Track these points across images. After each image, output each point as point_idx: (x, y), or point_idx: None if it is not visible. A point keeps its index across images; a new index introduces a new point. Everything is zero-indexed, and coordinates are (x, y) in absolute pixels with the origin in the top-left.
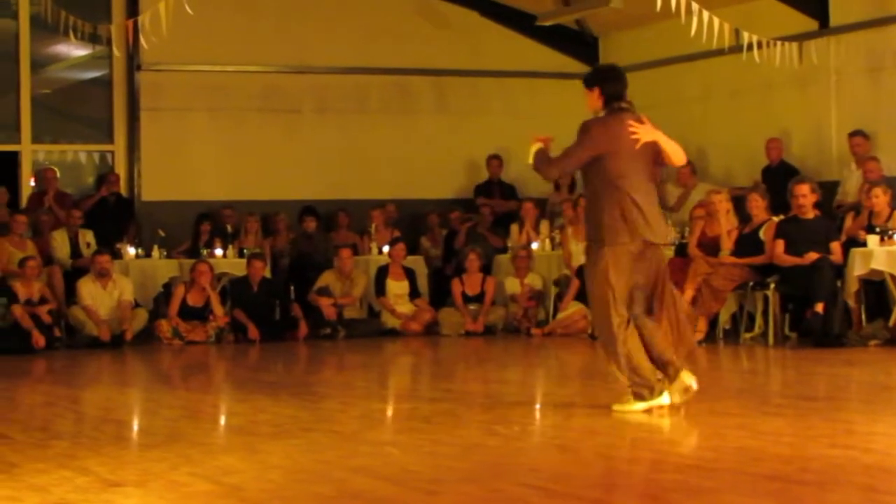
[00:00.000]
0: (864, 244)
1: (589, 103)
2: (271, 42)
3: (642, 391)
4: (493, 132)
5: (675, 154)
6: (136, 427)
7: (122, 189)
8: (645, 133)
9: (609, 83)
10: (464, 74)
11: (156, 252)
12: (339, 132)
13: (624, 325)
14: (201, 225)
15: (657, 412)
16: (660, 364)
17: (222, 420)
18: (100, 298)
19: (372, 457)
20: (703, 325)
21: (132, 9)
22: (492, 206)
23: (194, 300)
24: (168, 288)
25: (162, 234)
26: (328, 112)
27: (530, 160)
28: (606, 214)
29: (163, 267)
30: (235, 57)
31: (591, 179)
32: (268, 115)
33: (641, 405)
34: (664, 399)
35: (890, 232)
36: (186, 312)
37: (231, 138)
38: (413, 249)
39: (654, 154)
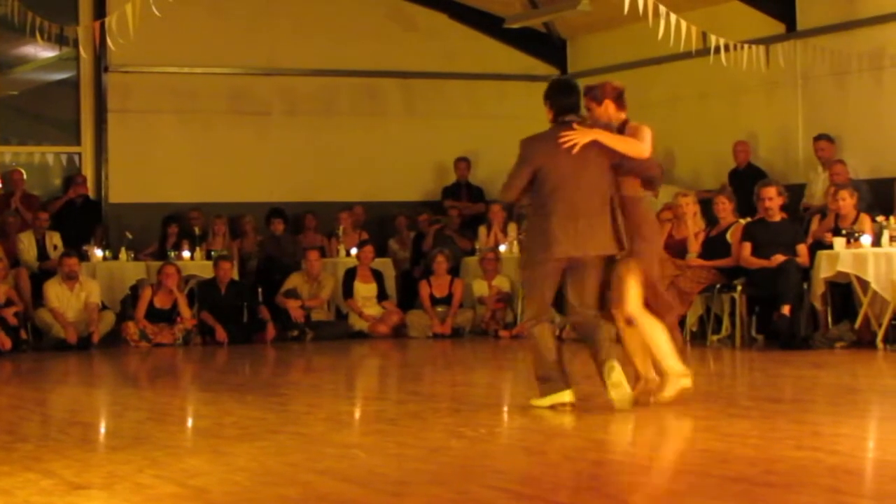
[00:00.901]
0: (830, 247)
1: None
2: (240, 44)
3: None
4: (461, 134)
5: (627, 147)
6: (102, 429)
7: (90, 191)
8: (578, 136)
9: (557, 97)
10: (432, 77)
11: (123, 254)
12: (308, 134)
13: (537, 324)
14: (168, 227)
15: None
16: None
17: (189, 422)
18: (67, 301)
19: (338, 459)
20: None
21: (99, 10)
22: (460, 209)
23: (161, 302)
24: (135, 290)
25: (129, 236)
26: (297, 114)
27: None
28: (527, 234)
29: (130, 269)
30: (204, 59)
31: (531, 196)
32: (236, 117)
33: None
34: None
35: (856, 234)
36: (153, 315)
37: (199, 140)
38: (381, 252)
39: (608, 157)
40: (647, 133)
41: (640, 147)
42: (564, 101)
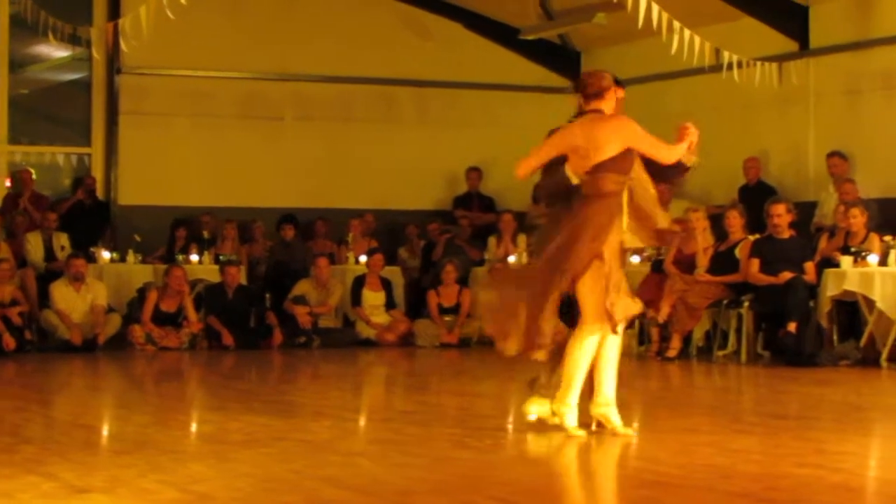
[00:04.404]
0: (838, 265)
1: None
2: (253, 48)
3: None
4: (473, 144)
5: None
6: (105, 433)
7: (99, 192)
8: None
9: None
10: (446, 86)
11: (131, 257)
12: (320, 141)
13: None
14: (177, 230)
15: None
16: None
17: (193, 427)
18: (73, 302)
19: (342, 467)
20: (677, 342)
21: (114, 11)
22: (470, 219)
23: (167, 306)
24: (142, 293)
25: (138, 238)
26: (309, 120)
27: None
28: None
29: (137, 272)
30: (217, 63)
31: None
32: (248, 121)
33: None
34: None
35: (863, 253)
36: (159, 318)
37: (211, 144)
38: (391, 260)
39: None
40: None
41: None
42: None
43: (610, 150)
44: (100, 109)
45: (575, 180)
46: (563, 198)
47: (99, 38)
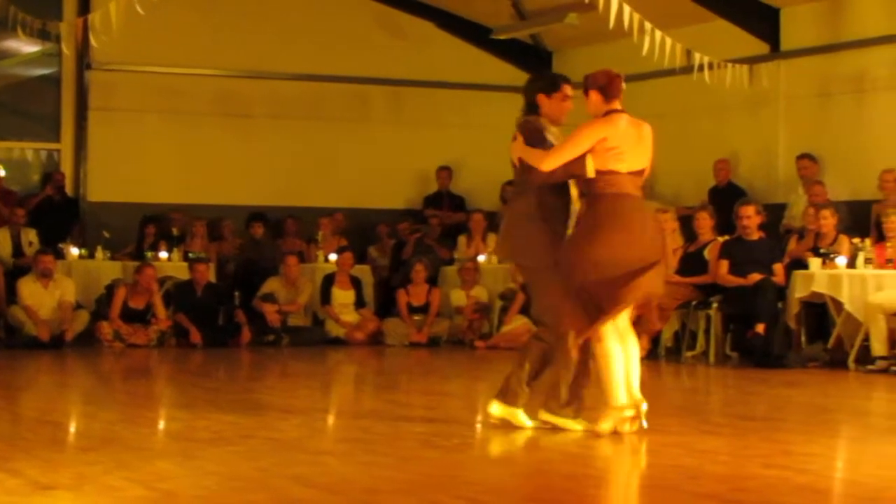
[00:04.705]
0: (806, 267)
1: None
2: (225, 45)
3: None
4: (445, 144)
5: (531, 159)
6: (72, 430)
7: (68, 188)
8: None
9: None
10: (417, 85)
11: (100, 253)
12: (292, 139)
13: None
14: (146, 227)
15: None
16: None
17: (160, 425)
18: (41, 298)
19: (310, 465)
20: (645, 343)
21: (83, 7)
22: (440, 218)
23: (136, 303)
24: (110, 290)
25: (107, 235)
26: (280, 118)
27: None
28: None
29: (106, 268)
30: (189, 59)
31: None
32: (220, 119)
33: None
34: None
35: (832, 255)
36: (128, 315)
37: (181, 141)
38: (361, 259)
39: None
40: (565, 141)
41: (537, 159)
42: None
43: (648, 157)
44: (69, 105)
45: (592, 174)
46: (553, 191)
47: (69, 34)
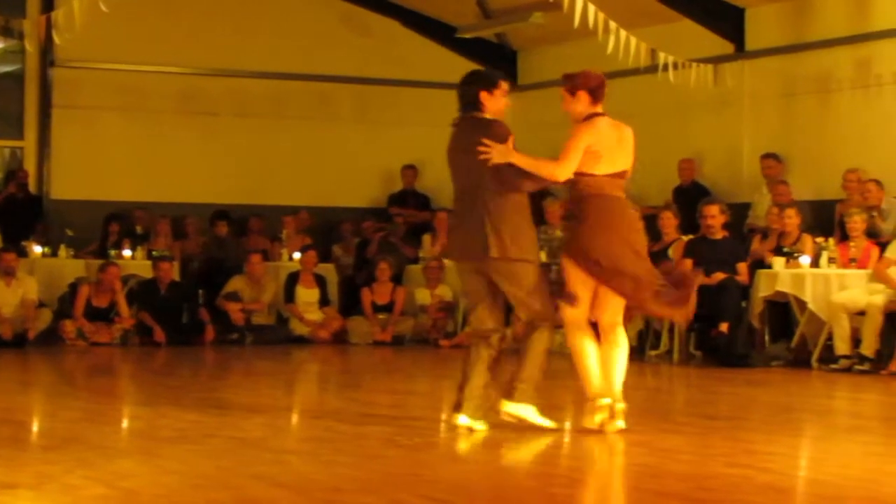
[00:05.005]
0: (769, 266)
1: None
2: (189, 43)
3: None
4: (410, 142)
5: (538, 169)
6: (33, 428)
7: (31, 186)
8: (496, 157)
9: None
10: (382, 83)
11: (63, 251)
12: (256, 137)
13: (475, 338)
14: (110, 225)
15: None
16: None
17: (123, 423)
18: (3, 296)
19: (272, 465)
20: None
21: (47, 4)
22: (405, 216)
23: (99, 301)
24: (74, 288)
25: (70, 233)
26: (245, 116)
27: None
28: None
29: (70, 266)
30: (152, 57)
31: None
32: (184, 117)
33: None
34: (461, 419)
35: (795, 254)
36: (91, 313)
37: (145, 139)
38: (325, 257)
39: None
40: (569, 147)
41: (550, 170)
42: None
43: (630, 159)
44: (32, 102)
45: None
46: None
47: (32, 31)
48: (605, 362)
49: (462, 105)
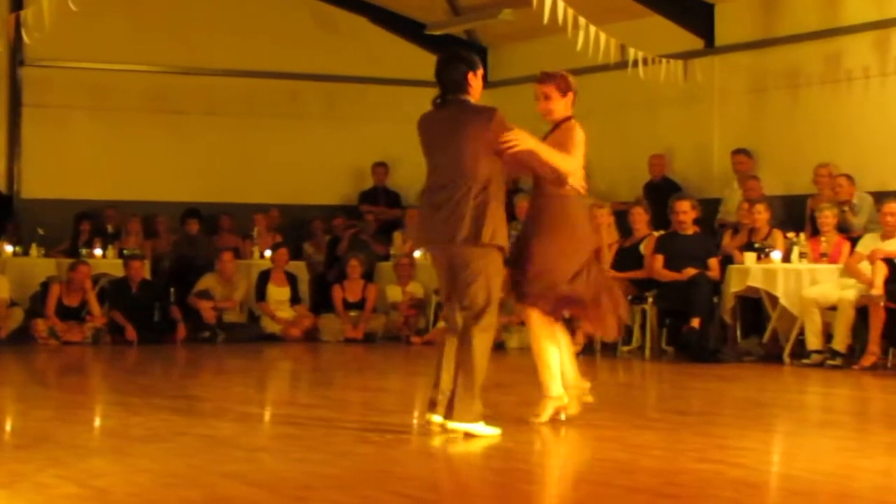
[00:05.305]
0: (741, 262)
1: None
2: (159, 42)
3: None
4: (380, 139)
5: (558, 161)
6: (6, 428)
7: (2, 185)
8: (521, 142)
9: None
10: (352, 81)
11: (34, 250)
12: (226, 135)
13: (447, 335)
14: (81, 224)
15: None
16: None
17: (94, 422)
18: None
19: (244, 462)
20: (581, 338)
21: (16, 2)
22: (376, 214)
23: (70, 300)
24: (45, 287)
25: (41, 232)
26: (215, 115)
27: None
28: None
29: (41, 265)
30: (122, 56)
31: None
32: (154, 115)
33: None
34: (435, 417)
35: (766, 250)
36: (63, 312)
37: (115, 138)
38: (296, 255)
39: (485, 143)
40: (577, 144)
41: (568, 163)
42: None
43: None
44: (2, 102)
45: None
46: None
47: (1, 30)
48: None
49: (447, 85)
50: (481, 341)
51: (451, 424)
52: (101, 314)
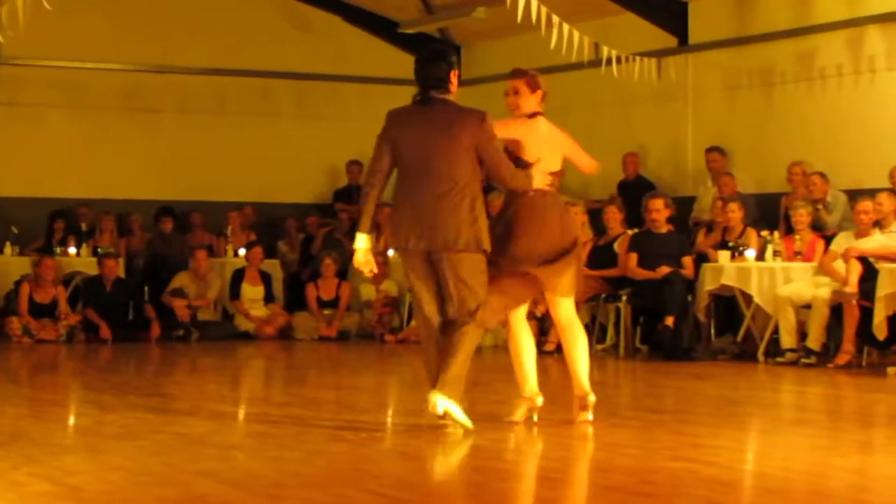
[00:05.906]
0: (713, 260)
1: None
2: (132, 40)
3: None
4: (354, 138)
5: (587, 164)
6: None
7: None
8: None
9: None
10: (326, 79)
11: (8, 249)
12: (199, 133)
13: (427, 331)
14: (55, 222)
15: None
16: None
17: (68, 420)
18: None
19: (217, 460)
20: (555, 336)
21: None
22: (350, 212)
23: (41, 297)
24: (19, 285)
25: (15, 230)
26: (188, 113)
27: None
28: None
29: (15, 264)
30: (96, 54)
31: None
32: (127, 113)
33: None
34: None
35: (741, 248)
36: (36, 310)
37: (89, 136)
38: (270, 253)
39: (470, 145)
40: (574, 143)
41: (593, 164)
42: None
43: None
44: None
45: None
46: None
47: None
48: (570, 360)
49: (430, 82)
50: (476, 334)
51: (437, 395)
52: (75, 312)
